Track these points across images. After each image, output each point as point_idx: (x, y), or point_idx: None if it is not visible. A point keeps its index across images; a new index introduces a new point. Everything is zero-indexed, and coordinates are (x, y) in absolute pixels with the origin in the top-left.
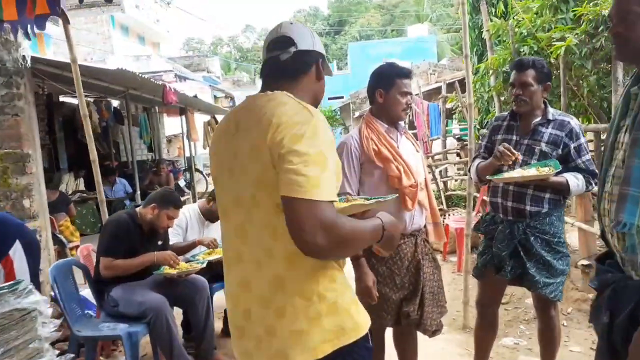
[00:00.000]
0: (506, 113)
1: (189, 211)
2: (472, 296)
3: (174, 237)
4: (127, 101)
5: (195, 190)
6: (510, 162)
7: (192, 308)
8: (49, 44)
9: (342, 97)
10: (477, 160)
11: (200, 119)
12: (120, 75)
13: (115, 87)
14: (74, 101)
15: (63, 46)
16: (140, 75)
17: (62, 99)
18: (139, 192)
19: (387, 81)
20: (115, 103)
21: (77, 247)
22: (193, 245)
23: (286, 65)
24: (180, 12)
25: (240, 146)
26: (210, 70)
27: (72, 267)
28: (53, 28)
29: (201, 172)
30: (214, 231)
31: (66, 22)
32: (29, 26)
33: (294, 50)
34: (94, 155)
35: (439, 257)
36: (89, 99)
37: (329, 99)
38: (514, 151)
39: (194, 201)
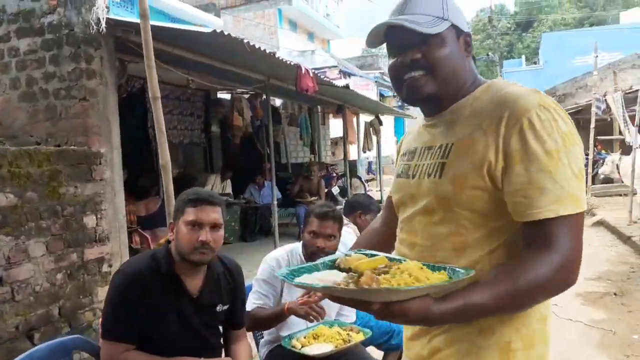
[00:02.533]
0: None
1: (287, 254)
2: None
3: (257, 299)
4: (267, 92)
5: None
6: None
7: None
8: None
9: None
10: None
11: (363, 120)
12: (219, 43)
13: (254, 75)
14: (229, 97)
15: None
16: (248, 42)
17: (219, 95)
18: (274, 200)
19: None
20: (277, 102)
21: None
22: (280, 315)
23: None
24: (353, 10)
25: None
26: (383, 70)
27: (72, 353)
28: (216, 20)
29: (360, 179)
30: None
31: None
32: None
33: None
34: (164, 159)
35: None
36: (243, 95)
37: None
38: None
39: None
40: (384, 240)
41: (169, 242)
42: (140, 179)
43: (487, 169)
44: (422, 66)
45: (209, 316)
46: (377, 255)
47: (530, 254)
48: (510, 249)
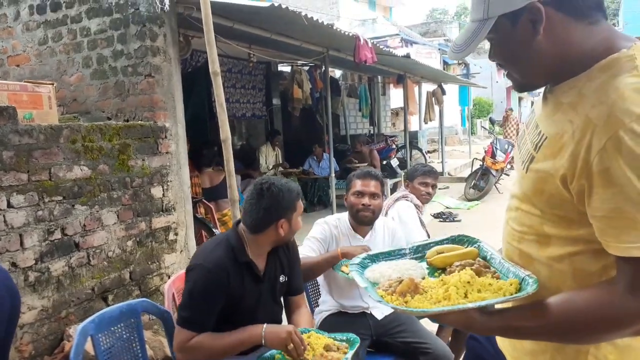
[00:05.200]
0: None
1: (336, 220)
2: None
3: (307, 252)
4: (327, 64)
5: None
6: None
7: None
8: None
9: None
10: None
11: (425, 89)
12: (278, 16)
13: (313, 47)
14: (290, 70)
15: None
16: (305, 15)
17: (280, 67)
18: (332, 173)
19: None
20: (337, 74)
21: None
22: (332, 260)
23: None
24: None
25: None
26: (448, 37)
27: (141, 314)
28: None
29: (420, 150)
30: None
31: None
32: None
33: None
34: (224, 133)
35: None
36: (303, 67)
37: None
38: None
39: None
40: None
41: (238, 222)
42: (204, 151)
43: (561, 181)
44: (504, 67)
45: (273, 288)
46: (476, 245)
47: (601, 290)
48: (599, 257)
